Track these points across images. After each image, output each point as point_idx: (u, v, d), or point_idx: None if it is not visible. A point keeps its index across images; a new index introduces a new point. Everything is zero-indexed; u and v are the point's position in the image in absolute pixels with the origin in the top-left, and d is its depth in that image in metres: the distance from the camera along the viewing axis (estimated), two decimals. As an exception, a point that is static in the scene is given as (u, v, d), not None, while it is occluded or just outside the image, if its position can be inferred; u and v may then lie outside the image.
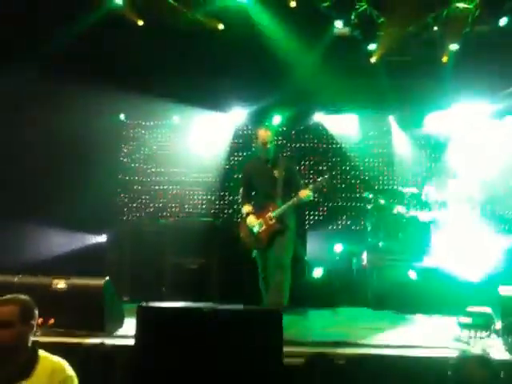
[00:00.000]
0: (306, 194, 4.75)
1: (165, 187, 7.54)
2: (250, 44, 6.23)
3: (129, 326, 4.08)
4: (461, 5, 5.82)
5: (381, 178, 7.22)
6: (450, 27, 6.10)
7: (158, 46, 6.35)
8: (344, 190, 7.27)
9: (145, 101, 6.80)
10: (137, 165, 7.56)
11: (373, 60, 6.35)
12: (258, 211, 4.86)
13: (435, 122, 6.91)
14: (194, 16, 6.12)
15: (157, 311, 3.05)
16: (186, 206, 7.47)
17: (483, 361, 2.47)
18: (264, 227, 4.76)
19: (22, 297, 2.72)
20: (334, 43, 6.38)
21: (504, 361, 3.42)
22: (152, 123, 7.62)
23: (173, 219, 6.94)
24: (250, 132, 7.50)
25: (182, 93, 6.76)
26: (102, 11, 5.89)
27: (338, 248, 6.39)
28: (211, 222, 6.38)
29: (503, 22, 5.84)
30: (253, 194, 5.01)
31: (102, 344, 3.71)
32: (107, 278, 4.20)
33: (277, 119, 7.37)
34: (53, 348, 2.98)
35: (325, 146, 7.41)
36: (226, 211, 7.48)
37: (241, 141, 7.55)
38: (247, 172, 5.07)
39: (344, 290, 5.69)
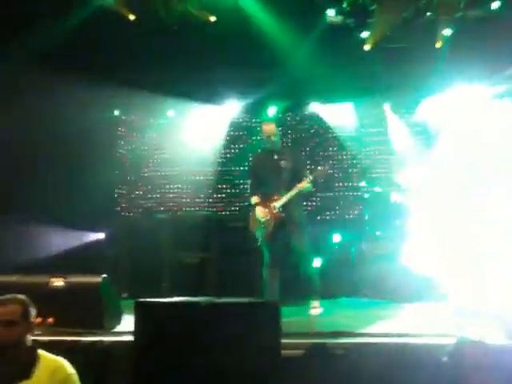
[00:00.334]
0: (304, 185, 4.89)
1: (161, 182, 7.53)
2: (242, 35, 6.18)
3: (127, 322, 4.08)
4: (453, -11, 5.78)
5: (377, 166, 7.21)
6: (443, 12, 6.07)
7: (149, 40, 6.29)
8: (340, 179, 7.26)
9: (139, 96, 6.77)
10: (133, 160, 7.54)
11: (366, 47, 6.31)
12: (266, 202, 5.01)
13: (430, 108, 6.88)
14: (186, 8, 6.08)
15: (154, 306, 3.05)
16: (183, 201, 7.45)
17: (479, 346, 2.48)
18: (269, 217, 4.91)
19: (22, 296, 2.74)
20: (327, 32, 6.34)
21: (501, 346, 3.43)
22: (147, 118, 7.59)
23: (170, 214, 6.94)
24: (245, 124, 7.48)
25: (175, 87, 6.73)
26: (94, 6, 5.85)
27: (337, 238, 6.39)
28: (209, 216, 6.38)
29: (496, 5, 5.80)
30: (261, 185, 5.13)
31: (100, 341, 3.72)
32: (105, 275, 4.21)
33: (272, 110, 7.35)
34: (52, 347, 3.00)
35: (321, 135, 7.39)
36: (223, 204, 7.47)
37: (237, 133, 7.53)
38: (255, 164, 5.30)
39: (342, 280, 5.70)
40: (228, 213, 7.23)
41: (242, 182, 7.36)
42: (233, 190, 7.42)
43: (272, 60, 6.34)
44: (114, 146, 7.48)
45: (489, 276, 4.69)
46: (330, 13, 6.15)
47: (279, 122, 5.59)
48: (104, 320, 4.10)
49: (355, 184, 7.14)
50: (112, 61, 6.46)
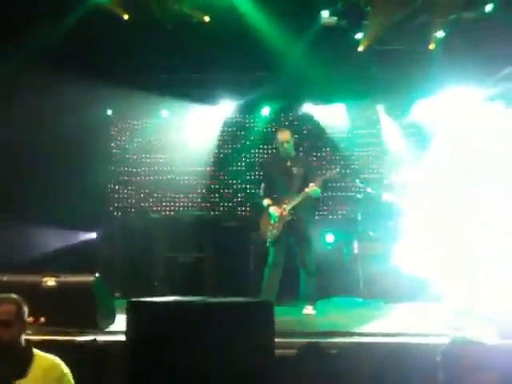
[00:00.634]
0: (312, 189, 5.05)
1: (156, 182, 7.51)
2: (237, 36, 6.19)
3: (121, 321, 4.07)
4: (446, -9, 5.82)
5: (370, 166, 7.23)
6: (436, 14, 6.10)
7: (144, 39, 6.29)
8: (334, 180, 7.27)
9: (133, 95, 6.75)
10: (127, 161, 7.52)
11: (360, 49, 6.33)
12: (277, 205, 5.19)
13: (424, 110, 6.91)
14: (181, 8, 6.07)
15: (147, 306, 3.03)
16: (177, 200, 7.45)
17: (473, 346, 2.49)
18: (280, 217, 5.09)
19: (15, 296, 2.73)
20: (321, 33, 6.36)
21: (495, 345, 3.45)
22: (140, 118, 7.57)
23: (164, 214, 6.93)
24: (239, 124, 7.48)
25: (170, 87, 6.72)
26: (88, 5, 5.84)
27: (330, 238, 6.41)
28: (202, 215, 6.37)
29: (489, 7, 5.84)
30: (273, 190, 5.31)
31: (94, 340, 3.70)
32: (98, 274, 4.19)
33: (266, 111, 7.36)
34: (45, 346, 2.98)
35: (314, 136, 7.41)
36: (216, 204, 7.47)
37: (230, 133, 7.53)
38: (267, 169, 5.54)
39: (335, 280, 5.72)
40: (222, 212, 7.23)
41: (235, 181, 7.37)
42: (226, 190, 7.42)
43: (266, 61, 6.35)
44: (107, 146, 7.45)
45: (481, 277, 4.73)
46: (325, 14, 6.17)
47: (294, 130, 5.74)
48: (97, 319, 4.08)
49: (348, 184, 7.16)
50: (106, 60, 6.45)
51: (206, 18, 6.19)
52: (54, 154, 6.40)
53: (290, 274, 5.00)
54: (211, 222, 6.13)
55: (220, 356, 2.80)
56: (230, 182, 7.44)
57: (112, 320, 4.26)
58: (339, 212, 7.22)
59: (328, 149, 7.35)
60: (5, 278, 4.16)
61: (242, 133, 7.52)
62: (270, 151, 7.40)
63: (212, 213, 7.21)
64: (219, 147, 7.49)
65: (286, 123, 7.33)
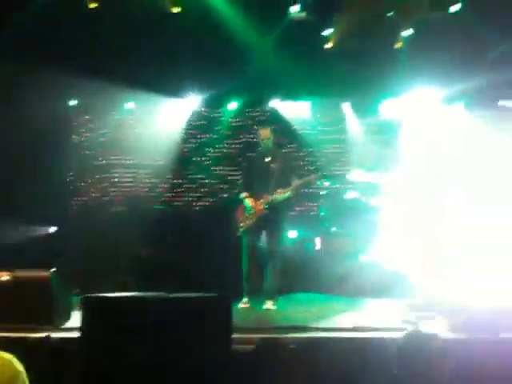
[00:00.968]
0: (281, 194, 5.21)
1: (118, 175, 7.38)
2: (205, 28, 6.13)
3: (77, 318, 3.98)
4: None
5: (335, 163, 7.26)
6: (403, 13, 6.15)
7: (110, 29, 6.16)
8: (298, 176, 7.27)
9: (98, 87, 6.60)
10: (89, 152, 7.37)
11: (328, 46, 6.35)
12: (254, 198, 5.31)
13: (389, 109, 6.98)
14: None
15: (101, 302, 2.98)
16: (140, 194, 7.32)
17: (428, 339, 2.53)
18: (255, 210, 5.23)
19: None
20: (290, 28, 6.34)
21: (449, 339, 3.53)
22: (105, 110, 7.42)
23: (127, 208, 6.81)
24: (205, 118, 7.42)
25: (136, 78, 6.60)
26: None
27: (292, 234, 6.42)
28: (166, 209, 6.30)
29: (456, 7, 5.93)
30: (251, 185, 5.40)
31: (47, 337, 3.61)
32: (54, 269, 4.09)
33: (233, 105, 7.31)
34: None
35: (279, 131, 7.38)
36: (181, 198, 7.37)
37: (196, 127, 7.46)
38: (247, 165, 5.70)
39: (297, 276, 5.74)
40: (185, 206, 7.14)
41: (199, 176, 7.31)
42: (190, 185, 7.34)
43: (234, 55, 6.31)
44: (69, 138, 7.28)
45: (446, 273, 4.83)
46: (294, 9, 6.15)
47: (275, 129, 5.76)
48: (53, 315, 3.99)
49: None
50: (72, 50, 6.29)
51: (176, 9, 6.11)
52: (13, 145, 6.21)
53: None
54: (175, 215, 6.05)
55: (176, 352, 2.77)
56: (194, 176, 7.37)
57: (68, 317, 4.17)
58: (302, 208, 7.22)
59: (294, 144, 7.34)
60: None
61: (208, 127, 7.46)
62: (235, 145, 7.37)
63: (176, 206, 7.11)
64: (184, 140, 7.40)
65: (256, 119, 7.29)
